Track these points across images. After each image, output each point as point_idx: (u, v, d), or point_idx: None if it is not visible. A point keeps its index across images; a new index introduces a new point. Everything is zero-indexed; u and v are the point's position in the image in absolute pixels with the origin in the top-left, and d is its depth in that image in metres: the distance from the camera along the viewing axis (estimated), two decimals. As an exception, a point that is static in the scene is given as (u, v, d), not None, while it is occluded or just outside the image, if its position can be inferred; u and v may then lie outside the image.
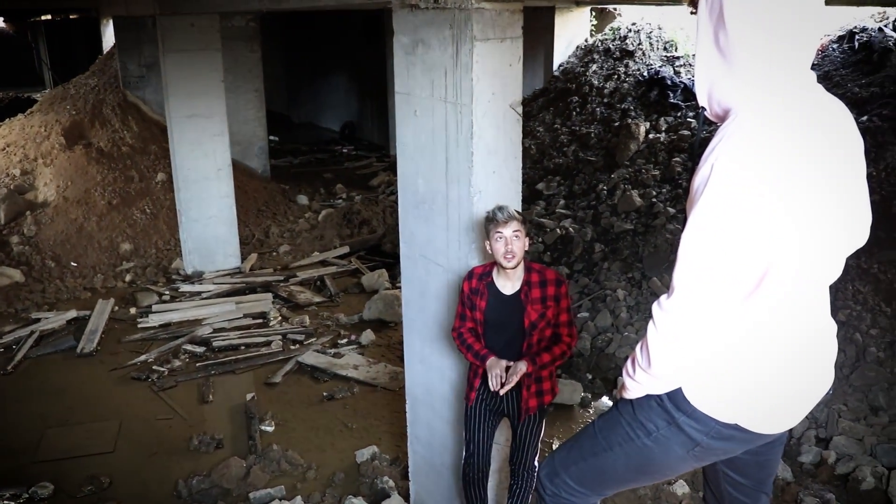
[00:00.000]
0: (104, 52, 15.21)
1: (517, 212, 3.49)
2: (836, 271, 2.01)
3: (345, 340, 7.88)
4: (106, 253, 10.01)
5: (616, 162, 9.15)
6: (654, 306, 1.90)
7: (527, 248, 3.54)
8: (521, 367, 3.45)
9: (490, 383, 3.45)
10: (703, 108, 1.97)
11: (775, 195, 1.71)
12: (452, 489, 4.51)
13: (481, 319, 3.61)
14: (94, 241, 10.10)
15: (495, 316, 3.58)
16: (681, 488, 4.99)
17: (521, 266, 3.55)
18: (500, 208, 3.45)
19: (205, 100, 9.17)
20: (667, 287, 1.78)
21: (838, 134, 1.88)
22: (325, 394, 6.82)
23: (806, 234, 1.78)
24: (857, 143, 1.96)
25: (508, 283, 3.56)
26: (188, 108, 9.12)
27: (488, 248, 3.51)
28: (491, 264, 3.62)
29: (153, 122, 12.20)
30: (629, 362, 2.06)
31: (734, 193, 1.70)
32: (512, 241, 3.41)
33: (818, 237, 1.82)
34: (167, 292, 9.10)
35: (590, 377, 6.69)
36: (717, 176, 1.72)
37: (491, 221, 3.45)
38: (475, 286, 3.61)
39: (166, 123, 9.31)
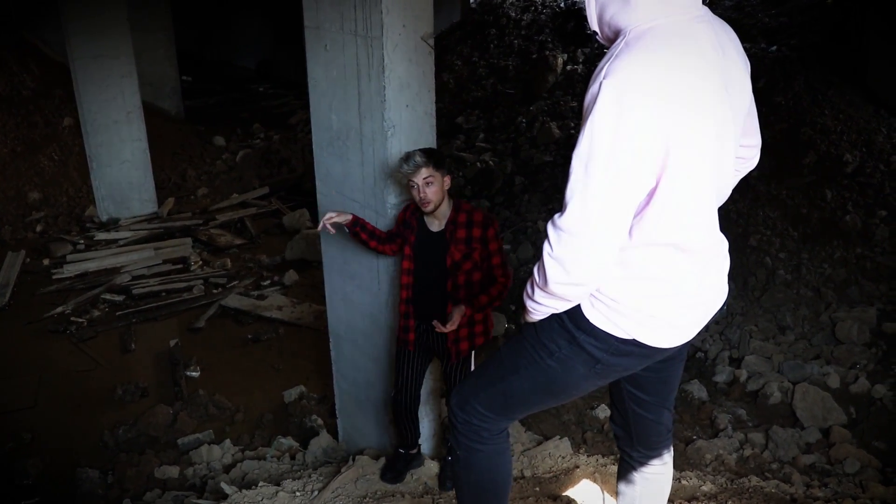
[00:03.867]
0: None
1: (424, 157, 3.38)
2: (725, 189, 2.07)
3: (267, 282, 7.82)
4: (13, 203, 9.58)
5: (534, 94, 9.16)
6: (548, 225, 1.90)
7: (447, 186, 3.49)
8: (461, 309, 3.50)
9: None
10: (594, 31, 1.97)
11: (663, 111, 1.74)
12: (379, 424, 4.57)
13: (410, 254, 3.62)
14: (-2, 191, 9.67)
15: (421, 252, 3.60)
16: (603, 412, 5.16)
17: (447, 204, 3.53)
18: (407, 159, 3.39)
19: (110, 39, 8.78)
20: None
21: (725, 55, 1.91)
22: (249, 336, 6.79)
23: (694, 150, 1.81)
24: (743, 65, 2.00)
25: (435, 221, 3.57)
26: (92, 48, 8.72)
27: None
28: None
29: (56, 64, 11.58)
30: (528, 284, 2.07)
31: (622, 110, 1.72)
32: (424, 189, 3.39)
33: (706, 153, 1.86)
34: (82, 241, 8.84)
35: (513, 308, 6.79)
36: (605, 93, 1.73)
37: (402, 171, 3.45)
38: (408, 218, 3.65)
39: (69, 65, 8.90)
